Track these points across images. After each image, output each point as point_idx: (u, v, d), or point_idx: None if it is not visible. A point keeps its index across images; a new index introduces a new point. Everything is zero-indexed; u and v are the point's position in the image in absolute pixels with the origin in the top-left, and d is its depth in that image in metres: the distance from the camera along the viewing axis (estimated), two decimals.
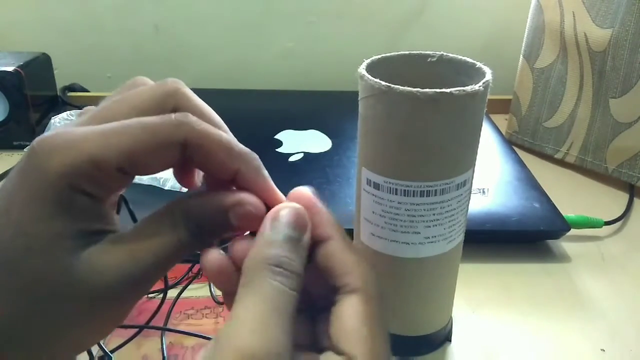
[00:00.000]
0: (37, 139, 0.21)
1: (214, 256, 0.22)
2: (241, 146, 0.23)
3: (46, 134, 0.21)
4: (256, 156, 0.23)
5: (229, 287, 0.22)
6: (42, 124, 0.66)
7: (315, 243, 0.23)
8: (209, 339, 0.38)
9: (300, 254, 0.22)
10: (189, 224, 0.22)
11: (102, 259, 0.21)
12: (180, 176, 0.25)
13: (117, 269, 0.21)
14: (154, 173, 0.22)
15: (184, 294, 0.42)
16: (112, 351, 0.35)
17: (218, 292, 0.43)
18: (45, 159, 0.20)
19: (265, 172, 0.24)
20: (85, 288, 0.20)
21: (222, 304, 0.41)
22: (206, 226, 0.22)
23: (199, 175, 0.25)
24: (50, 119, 0.62)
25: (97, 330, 0.22)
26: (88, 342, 0.23)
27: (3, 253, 0.20)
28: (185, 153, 0.21)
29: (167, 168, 0.22)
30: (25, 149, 0.61)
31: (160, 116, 0.21)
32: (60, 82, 0.76)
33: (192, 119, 0.22)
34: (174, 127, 0.21)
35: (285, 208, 0.22)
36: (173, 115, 0.21)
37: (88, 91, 0.81)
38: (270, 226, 0.22)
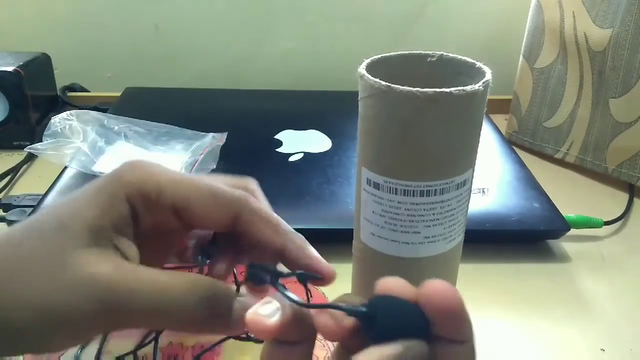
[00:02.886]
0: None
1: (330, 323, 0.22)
2: (288, 226, 0.27)
3: None
4: (301, 235, 0.27)
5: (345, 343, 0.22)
6: (42, 124, 0.66)
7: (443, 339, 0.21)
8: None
9: None
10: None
11: (89, 261, 0.22)
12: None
13: (96, 277, 0.22)
14: (199, 228, 0.27)
15: None
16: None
17: None
18: (125, 169, 0.25)
19: (311, 248, 0.27)
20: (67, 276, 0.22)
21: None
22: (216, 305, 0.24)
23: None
24: (50, 119, 0.62)
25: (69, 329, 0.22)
26: (64, 340, 0.23)
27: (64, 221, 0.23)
28: (235, 225, 0.26)
29: (213, 229, 0.26)
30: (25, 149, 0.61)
31: (227, 187, 0.26)
32: (60, 82, 0.76)
33: (251, 198, 0.26)
34: (234, 198, 0.26)
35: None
36: (237, 191, 0.26)
37: (88, 91, 0.81)
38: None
